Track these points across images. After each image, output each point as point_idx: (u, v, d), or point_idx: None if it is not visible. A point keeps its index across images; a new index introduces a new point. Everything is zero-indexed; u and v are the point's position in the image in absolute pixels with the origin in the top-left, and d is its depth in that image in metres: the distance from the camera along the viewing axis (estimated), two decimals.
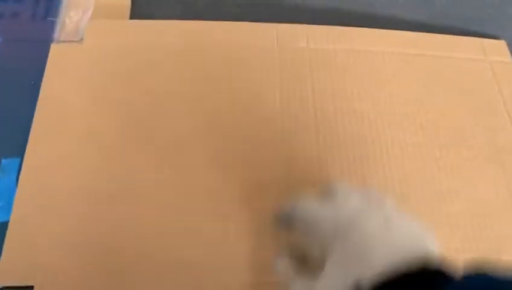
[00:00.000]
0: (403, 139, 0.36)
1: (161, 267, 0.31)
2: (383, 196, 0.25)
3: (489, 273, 0.18)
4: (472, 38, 0.43)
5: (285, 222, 0.27)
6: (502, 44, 0.43)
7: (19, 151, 0.35)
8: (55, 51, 0.39)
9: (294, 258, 0.26)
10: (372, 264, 0.20)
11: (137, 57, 0.39)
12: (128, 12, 0.43)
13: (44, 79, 0.38)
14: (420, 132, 0.37)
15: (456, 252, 0.32)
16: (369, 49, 0.41)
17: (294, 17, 0.43)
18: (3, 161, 0.35)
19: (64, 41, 0.40)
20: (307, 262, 0.25)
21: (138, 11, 0.43)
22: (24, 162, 0.35)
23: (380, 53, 0.41)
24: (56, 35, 0.41)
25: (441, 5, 0.46)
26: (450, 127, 0.38)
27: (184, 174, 0.34)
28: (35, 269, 0.30)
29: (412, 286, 0.18)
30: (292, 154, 0.35)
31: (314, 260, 0.24)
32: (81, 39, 0.40)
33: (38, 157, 0.35)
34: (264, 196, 0.33)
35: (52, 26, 0.41)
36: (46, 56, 0.39)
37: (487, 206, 0.34)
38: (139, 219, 0.33)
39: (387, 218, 0.22)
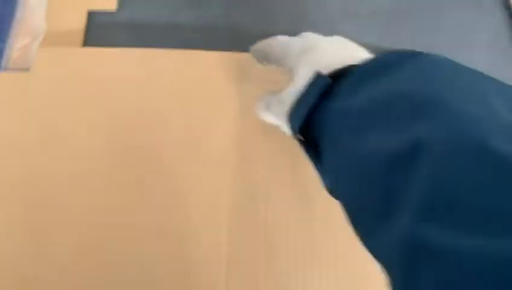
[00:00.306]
0: None
1: None
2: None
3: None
4: None
5: (261, 55, 0.35)
6: None
7: None
8: (1, 79, 0.38)
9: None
10: (328, 64, 0.28)
11: (89, 86, 0.38)
12: (81, 39, 0.42)
13: None
14: None
15: None
16: None
17: None
18: None
19: (11, 70, 0.39)
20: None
21: (92, 38, 0.42)
22: None
23: None
24: (3, 62, 0.39)
25: None
26: None
27: (133, 214, 0.34)
28: None
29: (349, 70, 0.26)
30: None
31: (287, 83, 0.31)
32: (30, 67, 0.38)
33: None
34: None
35: None
36: None
37: None
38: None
39: (341, 41, 0.31)
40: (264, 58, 0.35)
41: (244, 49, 0.37)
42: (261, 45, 0.35)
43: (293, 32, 0.33)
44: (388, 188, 0.20)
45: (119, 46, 0.41)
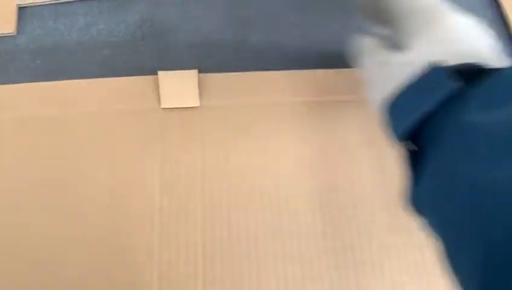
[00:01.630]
0: None
1: None
2: None
3: None
4: None
5: (372, 10, 0.28)
6: None
7: None
8: None
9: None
10: (459, 52, 0.22)
11: None
12: None
13: None
14: None
15: None
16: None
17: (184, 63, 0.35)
18: None
19: None
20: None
21: None
22: None
23: None
24: None
25: None
26: None
27: None
28: None
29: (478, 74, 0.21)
30: None
31: (396, 42, 0.25)
32: None
33: None
34: None
35: None
36: None
37: None
38: None
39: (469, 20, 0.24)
40: (373, 12, 0.28)
41: (174, 66, 0.34)
42: None
43: None
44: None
45: (24, 74, 0.35)
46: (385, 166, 0.33)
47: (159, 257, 0.30)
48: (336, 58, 0.35)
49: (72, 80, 0.34)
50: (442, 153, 0.20)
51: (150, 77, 0.34)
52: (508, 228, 0.16)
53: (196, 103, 0.34)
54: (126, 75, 0.35)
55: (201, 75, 0.35)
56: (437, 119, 0.21)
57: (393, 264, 0.30)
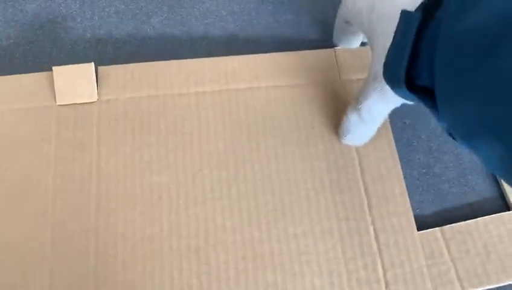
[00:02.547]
0: None
1: None
2: None
3: None
4: None
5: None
6: None
7: None
8: None
9: None
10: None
11: None
12: None
13: None
14: None
15: None
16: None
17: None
18: None
19: None
20: None
21: None
22: None
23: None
24: None
25: None
26: None
27: None
28: None
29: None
30: None
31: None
32: None
33: None
34: None
35: None
36: None
37: None
38: None
39: None
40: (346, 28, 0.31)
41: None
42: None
43: None
44: None
45: None
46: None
47: (51, 259, 0.28)
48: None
49: None
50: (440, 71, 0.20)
51: (46, 73, 0.33)
52: None
53: (93, 98, 0.32)
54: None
55: (102, 68, 0.33)
56: (427, 49, 0.21)
57: None
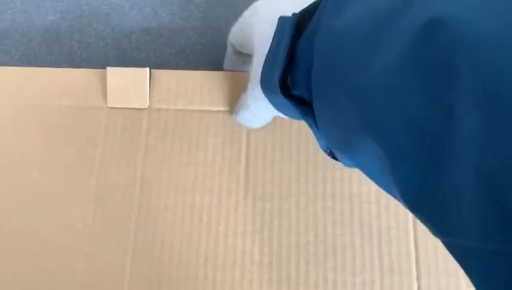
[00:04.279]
0: None
1: None
2: None
3: None
4: None
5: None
6: None
7: None
8: None
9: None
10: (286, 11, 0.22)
11: None
12: None
13: None
14: None
15: None
16: None
17: None
18: None
19: None
20: None
21: None
22: None
23: None
24: None
25: None
26: None
27: None
28: None
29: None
30: None
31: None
32: None
33: None
34: None
35: None
36: None
37: None
38: None
39: None
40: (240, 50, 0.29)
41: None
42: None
43: None
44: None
45: None
46: None
47: (84, 269, 0.28)
48: None
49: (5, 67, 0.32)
50: (321, 79, 0.19)
51: (99, 71, 0.32)
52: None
53: (144, 104, 0.31)
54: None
55: (156, 71, 0.32)
56: (304, 54, 0.20)
57: None
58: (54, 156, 0.30)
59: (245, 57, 0.29)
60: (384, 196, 0.29)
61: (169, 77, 0.31)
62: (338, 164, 0.30)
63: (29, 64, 0.34)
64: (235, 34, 0.28)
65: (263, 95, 0.24)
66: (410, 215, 0.29)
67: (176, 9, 0.34)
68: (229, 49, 0.30)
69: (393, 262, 0.28)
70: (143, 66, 0.31)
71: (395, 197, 0.17)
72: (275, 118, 0.30)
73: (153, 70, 0.32)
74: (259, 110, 0.26)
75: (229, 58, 0.31)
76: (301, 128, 0.31)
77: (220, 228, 0.29)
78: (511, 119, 0.11)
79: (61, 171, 0.30)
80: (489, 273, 0.13)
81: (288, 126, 0.31)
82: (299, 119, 0.23)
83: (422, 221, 0.16)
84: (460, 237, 0.14)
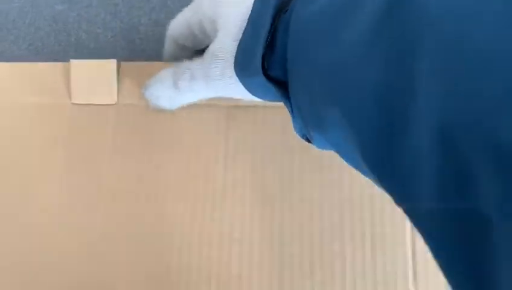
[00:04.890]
0: None
1: None
2: None
3: None
4: None
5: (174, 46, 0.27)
6: None
7: None
8: None
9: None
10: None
11: None
12: None
13: None
14: None
15: None
16: None
17: None
18: None
19: None
20: None
21: None
22: None
23: None
24: None
25: None
26: None
27: None
28: None
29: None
30: None
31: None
32: None
33: None
34: None
35: None
36: None
37: None
38: None
39: None
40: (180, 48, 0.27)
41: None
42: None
43: None
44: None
45: None
46: None
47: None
48: None
49: None
50: (296, 61, 0.19)
51: (64, 64, 0.29)
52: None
53: (112, 100, 0.28)
54: None
55: (125, 63, 0.29)
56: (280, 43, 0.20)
57: None
58: (17, 156, 0.28)
59: (188, 51, 0.27)
60: (379, 199, 0.26)
61: (138, 70, 0.28)
62: (326, 166, 0.27)
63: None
64: (180, 24, 0.25)
65: (219, 75, 0.22)
66: (408, 221, 0.26)
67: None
68: (170, 43, 0.27)
69: (387, 273, 0.25)
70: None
71: (363, 173, 0.18)
72: (256, 114, 0.28)
73: (122, 62, 0.29)
74: (199, 91, 0.24)
75: (171, 52, 0.28)
76: (286, 127, 0.28)
77: (195, 239, 0.26)
78: (469, 81, 0.12)
79: (25, 171, 0.27)
80: (443, 232, 0.13)
81: (271, 123, 0.28)
82: (271, 100, 0.22)
83: (386, 189, 0.16)
84: (419, 200, 0.14)
